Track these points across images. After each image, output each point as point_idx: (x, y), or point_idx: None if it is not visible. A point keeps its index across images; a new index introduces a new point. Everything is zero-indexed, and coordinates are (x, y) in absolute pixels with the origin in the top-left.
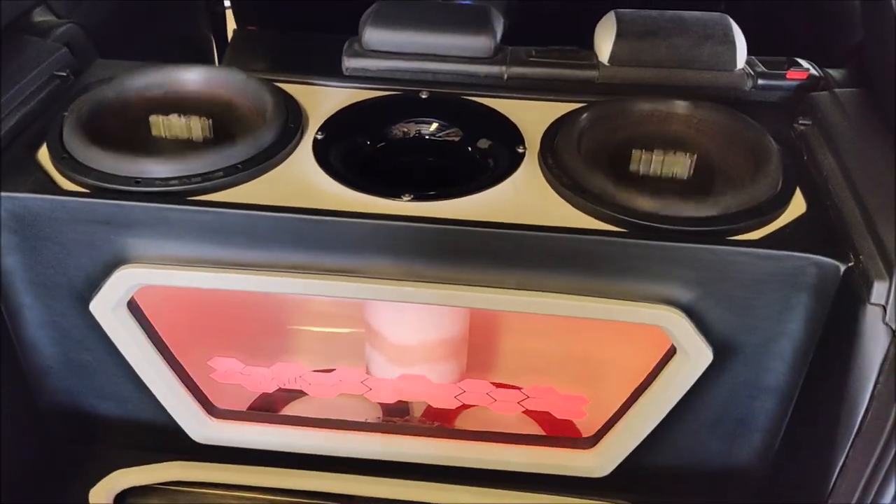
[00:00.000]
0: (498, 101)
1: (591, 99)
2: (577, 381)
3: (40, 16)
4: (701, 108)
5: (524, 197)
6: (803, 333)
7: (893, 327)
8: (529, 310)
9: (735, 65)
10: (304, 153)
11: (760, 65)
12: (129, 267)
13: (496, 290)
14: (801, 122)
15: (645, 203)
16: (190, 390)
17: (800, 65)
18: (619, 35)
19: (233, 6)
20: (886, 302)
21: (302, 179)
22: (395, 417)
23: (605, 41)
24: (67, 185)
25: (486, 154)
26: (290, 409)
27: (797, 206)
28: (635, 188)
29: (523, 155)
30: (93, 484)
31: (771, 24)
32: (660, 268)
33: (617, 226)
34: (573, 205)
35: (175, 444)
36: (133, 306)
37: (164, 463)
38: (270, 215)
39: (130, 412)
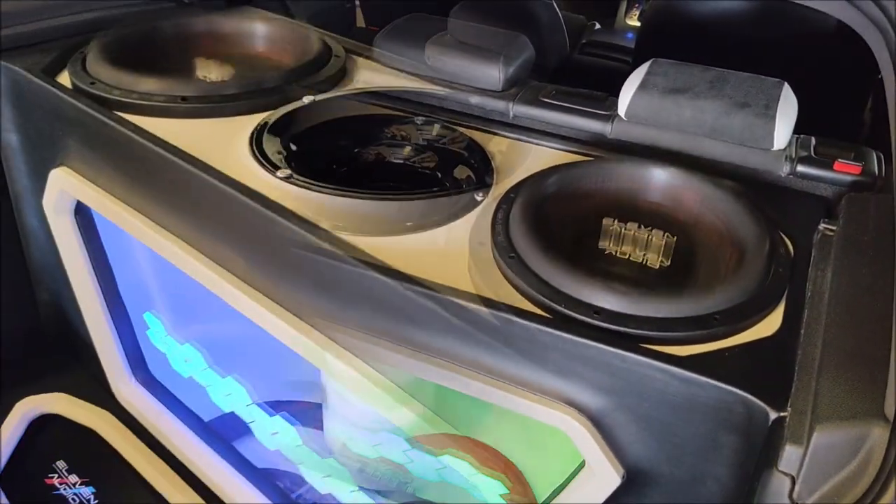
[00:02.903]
0: (502, 141)
1: (598, 154)
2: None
3: None
4: (701, 186)
5: (452, 247)
6: (733, 482)
7: None
8: (424, 376)
9: (772, 143)
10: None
11: (812, 149)
12: (62, 169)
13: (381, 344)
14: (825, 225)
15: (567, 284)
16: (120, 335)
17: (862, 156)
18: (641, 87)
19: (361, 6)
20: (798, 473)
21: (225, 136)
22: None
23: (627, 92)
24: (63, 77)
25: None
26: None
27: (770, 324)
28: (564, 265)
29: (478, 203)
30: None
31: None
32: (565, 364)
33: (532, 303)
34: (499, 269)
35: None
36: (83, 218)
37: (94, 407)
38: (154, 149)
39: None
